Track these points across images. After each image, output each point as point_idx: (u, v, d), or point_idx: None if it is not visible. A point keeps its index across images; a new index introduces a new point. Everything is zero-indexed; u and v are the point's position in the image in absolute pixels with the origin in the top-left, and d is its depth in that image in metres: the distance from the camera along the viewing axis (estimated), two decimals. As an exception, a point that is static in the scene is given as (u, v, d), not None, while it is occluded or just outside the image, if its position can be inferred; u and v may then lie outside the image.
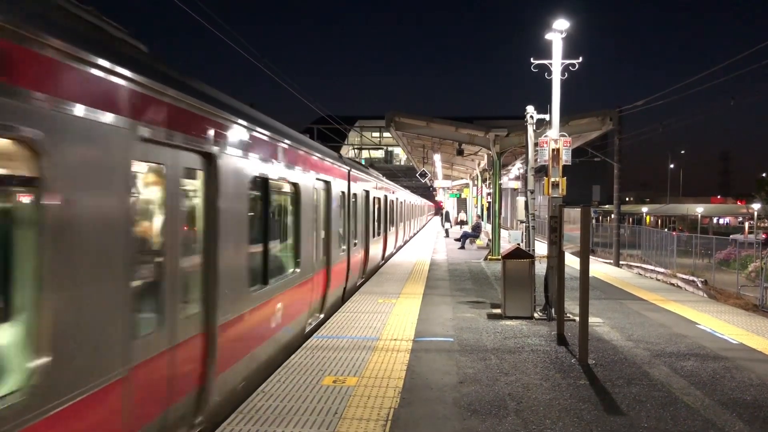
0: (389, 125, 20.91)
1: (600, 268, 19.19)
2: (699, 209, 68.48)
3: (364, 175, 15.00)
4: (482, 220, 30.80)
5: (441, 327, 9.14)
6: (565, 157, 13.73)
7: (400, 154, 78.41)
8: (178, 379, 4.49)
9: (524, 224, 14.91)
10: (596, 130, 20.08)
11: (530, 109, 14.79)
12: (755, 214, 61.55)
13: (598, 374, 6.77)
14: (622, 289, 14.00)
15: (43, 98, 2.91)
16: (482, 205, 33.15)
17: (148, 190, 4.28)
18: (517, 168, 29.10)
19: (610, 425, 5.21)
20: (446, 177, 45.73)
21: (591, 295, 8.00)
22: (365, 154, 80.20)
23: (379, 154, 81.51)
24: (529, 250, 12.14)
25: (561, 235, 8.98)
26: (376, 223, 17.00)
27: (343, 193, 11.51)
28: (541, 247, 16.75)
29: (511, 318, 9.86)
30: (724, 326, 9.50)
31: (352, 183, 12.53)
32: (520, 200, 16.40)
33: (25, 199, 2.97)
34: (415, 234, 36.57)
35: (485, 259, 20.43)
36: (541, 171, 15.81)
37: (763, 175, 60.93)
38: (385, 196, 19.44)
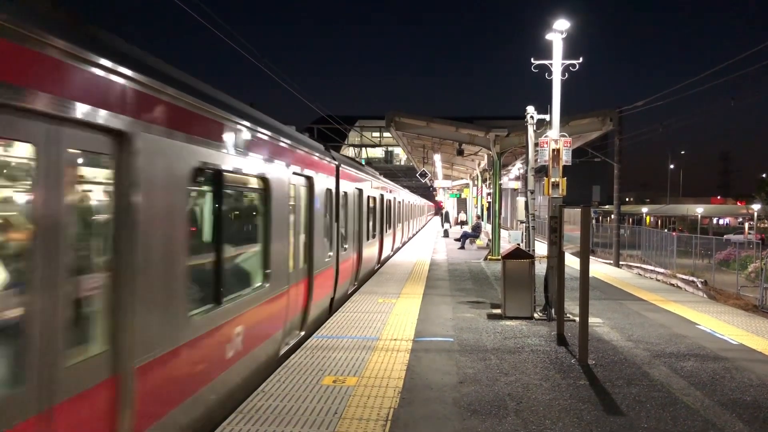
0: (389, 125, 20.91)
1: (600, 269, 19.19)
2: (699, 210, 68.51)
3: (357, 172, 13.77)
4: (482, 220, 30.80)
5: (441, 327, 9.14)
6: (566, 158, 13.73)
7: (401, 154, 78.44)
8: None
9: (524, 224, 14.91)
10: (596, 130, 20.08)
11: (530, 109, 14.79)
12: (755, 214, 61.57)
13: (598, 374, 6.77)
14: (622, 289, 14.00)
15: None
16: (482, 205, 33.16)
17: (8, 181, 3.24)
18: (517, 168, 29.11)
19: (609, 425, 5.21)
20: (446, 177, 45.73)
21: (591, 296, 8.00)
22: (365, 153, 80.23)
23: (379, 153, 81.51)
24: (529, 251, 12.14)
25: (561, 235, 8.98)
26: (370, 225, 15.89)
27: (329, 191, 10.23)
28: (541, 248, 16.75)
29: (511, 318, 9.86)
30: (723, 327, 9.50)
31: (341, 180, 11.27)
32: (520, 200, 16.42)
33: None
34: (414, 234, 36.49)
35: (485, 259, 20.43)
36: (542, 171, 15.83)
37: (763, 175, 60.95)
38: (381, 196, 18.40)
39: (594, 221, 47.53)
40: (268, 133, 6.69)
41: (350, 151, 60.45)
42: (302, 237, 8.50)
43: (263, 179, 6.56)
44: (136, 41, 4.50)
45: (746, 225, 66.24)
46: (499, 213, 20.99)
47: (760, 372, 6.93)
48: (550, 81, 14.71)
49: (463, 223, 44.97)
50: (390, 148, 78.98)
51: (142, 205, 3.93)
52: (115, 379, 3.68)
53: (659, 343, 8.30)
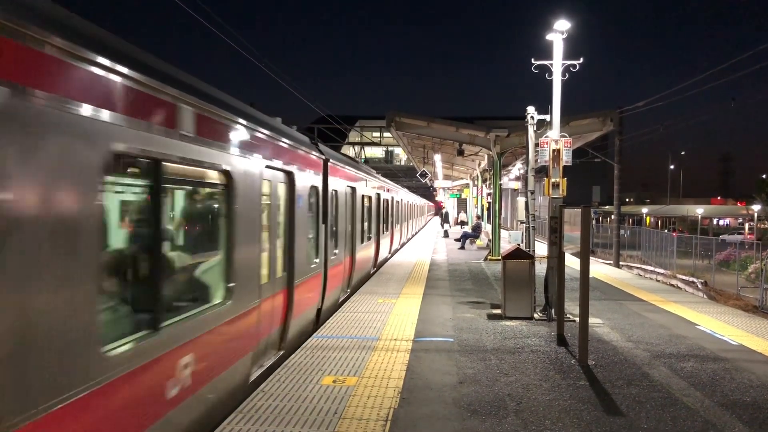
0: (390, 125, 20.92)
1: (600, 269, 19.19)
2: (699, 210, 68.57)
3: (350, 168, 12.59)
4: (482, 221, 30.81)
5: (441, 327, 9.14)
6: (566, 158, 13.73)
7: (401, 154, 78.47)
8: None
9: (524, 225, 14.91)
10: (597, 130, 20.09)
11: (531, 109, 14.79)
12: (755, 215, 61.58)
13: (598, 375, 6.77)
14: (622, 289, 14.00)
15: None
16: (482, 206, 33.16)
17: None
18: (517, 168, 29.14)
19: (609, 426, 5.21)
20: (446, 177, 45.75)
21: (591, 296, 8.01)
22: (365, 153, 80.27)
23: (379, 152, 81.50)
24: (529, 251, 12.14)
25: (561, 235, 8.98)
26: (365, 226, 14.94)
27: (315, 189, 9.16)
28: (541, 248, 16.75)
29: (511, 318, 9.86)
30: (723, 327, 9.50)
31: (331, 177, 10.19)
32: (521, 201, 16.42)
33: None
34: (414, 235, 36.43)
35: (485, 259, 20.44)
36: (542, 171, 15.83)
37: (764, 176, 60.93)
38: (378, 195, 17.42)
39: (594, 222, 47.55)
40: (232, 117, 5.56)
41: (350, 151, 60.46)
42: (280, 242, 7.43)
43: (225, 173, 5.44)
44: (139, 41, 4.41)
45: (746, 226, 66.28)
46: (500, 213, 20.99)
47: (760, 373, 6.93)
48: (551, 81, 14.71)
49: (463, 223, 44.97)
50: (390, 148, 79.01)
51: (19, 202, 2.88)
52: None
53: (659, 344, 8.30)
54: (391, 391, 6.00)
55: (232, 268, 5.55)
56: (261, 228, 6.47)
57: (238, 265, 5.68)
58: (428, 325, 9.23)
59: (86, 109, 3.37)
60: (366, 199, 14.95)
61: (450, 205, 52.36)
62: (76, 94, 3.29)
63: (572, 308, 9.94)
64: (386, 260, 19.86)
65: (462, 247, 25.66)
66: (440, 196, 59.85)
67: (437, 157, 32.04)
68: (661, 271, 27.30)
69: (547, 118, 14.74)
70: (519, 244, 13.14)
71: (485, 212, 31.71)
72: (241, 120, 5.80)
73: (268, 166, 6.67)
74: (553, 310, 9.61)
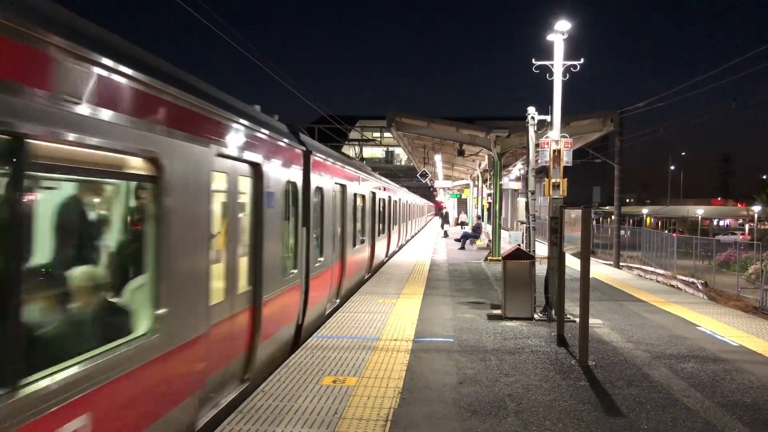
0: (390, 125, 20.92)
1: (600, 270, 19.19)
2: (699, 211, 68.56)
3: (340, 164, 11.27)
4: (482, 221, 30.81)
5: (441, 327, 9.14)
6: (566, 158, 13.73)
7: (401, 154, 78.50)
8: None
9: (525, 225, 14.91)
10: (597, 131, 20.10)
11: (531, 110, 14.79)
12: (755, 216, 61.56)
13: (598, 376, 6.77)
14: (622, 290, 14.00)
15: None
16: (483, 206, 33.17)
17: None
18: (517, 169, 29.13)
19: (610, 426, 5.21)
20: (447, 177, 45.75)
21: (591, 297, 8.00)
22: (366, 153, 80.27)
23: (379, 152, 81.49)
24: (529, 251, 12.13)
25: (562, 236, 8.98)
26: (359, 227, 13.81)
27: (293, 185, 7.88)
28: (541, 248, 16.75)
29: (511, 319, 9.86)
30: (724, 328, 9.50)
31: (315, 173, 8.92)
32: (521, 201, 16.43)
33: None
34: (413, 236, 36.35)
35: (485, 259, 20.44)
36: (542, 172, 15.83)
37: (764, 177, 60.94)
38: (373, 194, 16.21)
39: (594, 222, 47.59)
40: (161, 85, 4.16)
41: (351, 151, 60.48)
42: (242, 250, 6.05)
43: (150, 161, 4.08)
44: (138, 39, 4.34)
45: (747, 226, 66.28)
46: (500, 213, 20.99)
47: (761, 374, 6.93)
48: (551, 82, 14.71)
49: (464, 223, 44.97)
50: (391, 149, 79.04)
51: None
52: None
53: (659, 345, 8.30)
54: (391, 391, 5.99)
55: (163, 289, 4.19)
56: (210, 234, 5.07)
57: (173, 284, 4.34)
58: (428, 326, 9.22)
59: None
60: (359, 199, 13.88)
61: (450, 206, 52.40)
62: None
63: (572, 309, 9.94)
64: (383, 264, 18.85)
65: (462, 248, 25.65)
66: (440, 197, 59.88)
67: (437, 158, 32.03)
68: (662, 271, 27.29)
69: (548, 118, 14.74)
70: (519, 245, 13.14)
71: (485, 212, 31.72)
72: (172, 88, 4.31)
73: (222, 155, 5.31)
74: (553, 311, 9.61)
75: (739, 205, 79.01)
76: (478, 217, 31.94)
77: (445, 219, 39.24)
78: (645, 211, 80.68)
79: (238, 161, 5.83)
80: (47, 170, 3.26)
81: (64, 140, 3.18)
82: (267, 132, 6.67)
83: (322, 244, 9.68)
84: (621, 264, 29.23)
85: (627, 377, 6.72)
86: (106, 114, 3.51)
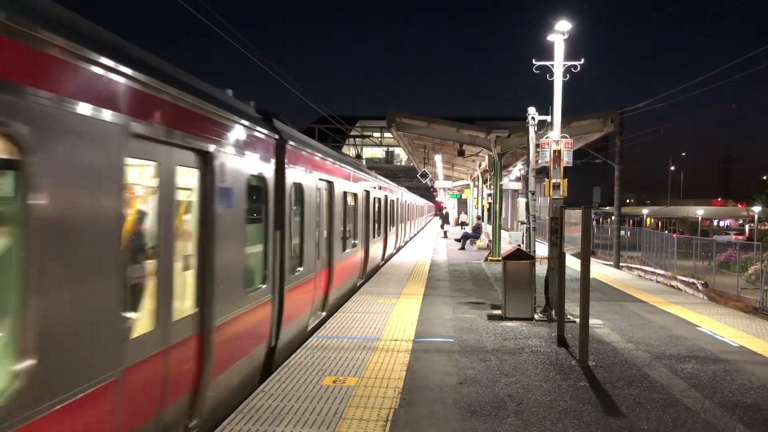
0: (390, 126, 20.93)
1: (600, 270, 19.19)
2: (699, 211, 68.55)
3: (326, 158, 9.94)
4: (483, 221, 30.81)
5: (441, 328, 9.14)
6: (567, 159, 13.73)
7: (401, 155, 78.51)
8: None
9: (525, 225, 14.91)
10: (597, 131, 20.11)
11: (532, 110, 14.79)
12: (756, 216, 61.56)
13: (599, 376, 6.77)
14: (623, 290, 14.00)
15: None
16: (483, 206, 33.18)
17: None
18: (518, 169, 29.14)
19: (610, 427, 5.21)
20: (447, 177, 45.78)
21: (591, 297, 8.01)
22: (366, 153, 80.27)
23: (379, 153, 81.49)
24: (529, 252, 12.13)
25: (562, 236, 8.98)
26: (351, 229, 12.70)
27: (262, 181, 6.63)
28: (541, 249, 16.75)
29: (511, 319, 9.86)
30: (724, 329, 9.50)
31: (292, 167, 7.59)
32: (521, 201, 16.42)
33: None
34: (413, 237, 36.27)
35: (485, 260, 20.44)
36: (542, 172, 15.82)
37: (764, 177, 60.93)
38: (368, 193, 15.06)
39: (594, 222, 47.60)
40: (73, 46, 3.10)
41: (351, 151, 60.48)
42: (177, 263, 4.68)
43: (9, 138, 2.77)
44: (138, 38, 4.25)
45: (747, 227, 66.28)
46: (500, 214, 20.99)
47: (761, 374, 6.93)
48: (552, 82, 14.71)
49: (464, 223, 44.98)
50: (391, 149, 79.05)
51: None
52: None
53: (659, 345, 8.30)
54: (391, 391, 5.99)
55: (31, 328, 2.87)
56: (118, 244, 3.65)
57: (53, 319, 3.04)
58: (428, 326, 9.22)
59: None
60: (350, 198, 12.58)
61: (450, 206, 52.39)
62: None
63: (572, 309, 9.94)
64: (378, 268, 17.65)
65: (462, 248, 25.65)
66: (441, 197, 59.86)
67: (438, 158, 32.05)
68: (662, 272, 27.29)
69: (548, 118, 14.73)
70: (519, 245, 13.14)
71: (486, 213, 31.73)
72: (53, 34, 2.96)
73: (139, 135, 3.86)
74: (553, 311, 9.61)
75: (739, 206, 79.00)
76: (479, 218, 31.94)
77: (445, 219, 39.23)
78: (645, 211, 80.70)
79: (173, 147, 4.46)
80: None
81: None
82: (219, 111, 5.22)
83: (302, 249, 8.38)
84: (621, 264, 29.22)
85: (627, 378, 6.72)
86: None
